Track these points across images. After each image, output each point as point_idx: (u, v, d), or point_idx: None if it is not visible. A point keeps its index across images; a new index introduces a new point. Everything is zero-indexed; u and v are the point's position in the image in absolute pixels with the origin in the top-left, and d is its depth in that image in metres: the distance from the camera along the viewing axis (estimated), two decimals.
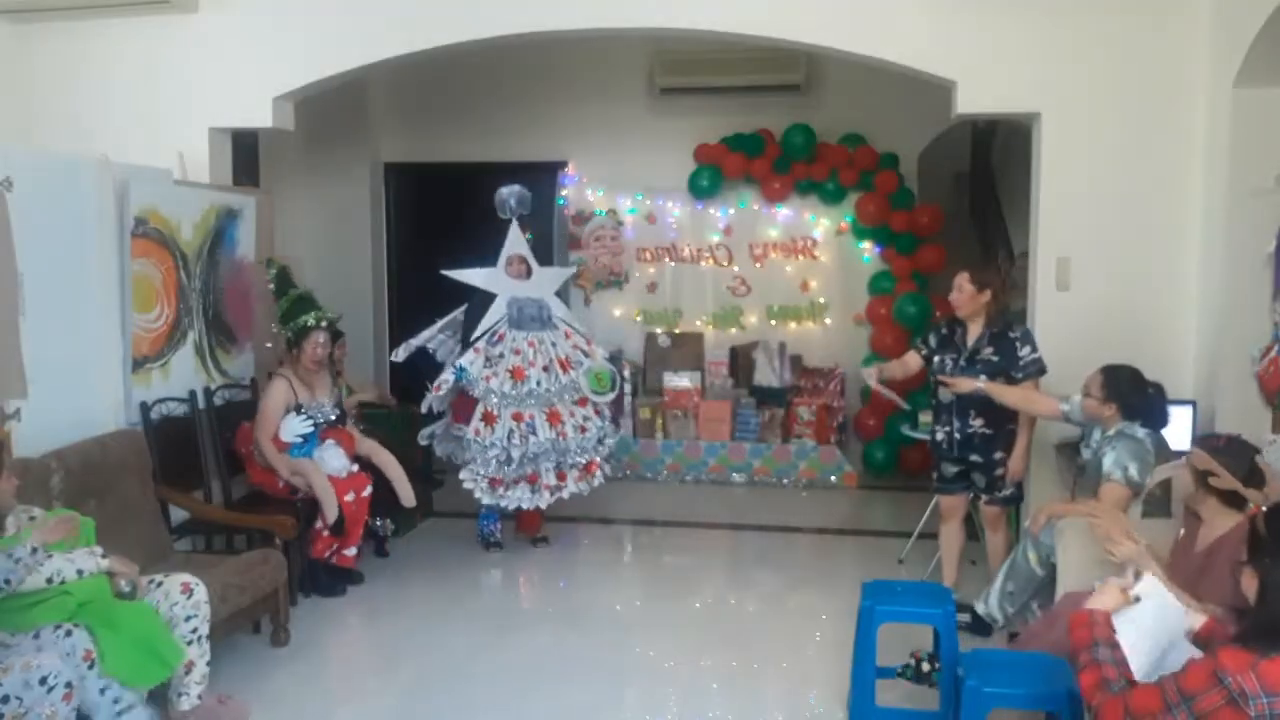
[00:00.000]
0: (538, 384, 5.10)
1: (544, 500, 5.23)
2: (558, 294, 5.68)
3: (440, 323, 5.44)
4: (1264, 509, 2.39)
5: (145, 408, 4.40)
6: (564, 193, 7.46)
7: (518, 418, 5.05)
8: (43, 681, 2.65)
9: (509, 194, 5.32)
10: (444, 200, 7.76)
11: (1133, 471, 3.62)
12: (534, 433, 5.05)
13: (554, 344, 5.27)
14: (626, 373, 6.31)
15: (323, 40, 5.18)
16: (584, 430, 5.22)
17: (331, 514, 4.52)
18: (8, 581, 2.79)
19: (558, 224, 7.51)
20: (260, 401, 4.75)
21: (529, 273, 5.36)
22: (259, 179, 6.74)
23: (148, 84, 5.24)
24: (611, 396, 5.40)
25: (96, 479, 3.76)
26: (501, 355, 5.12)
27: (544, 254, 7.36)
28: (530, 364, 5.12)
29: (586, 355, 5.38)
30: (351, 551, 4.78)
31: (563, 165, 7.49)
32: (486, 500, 5.19)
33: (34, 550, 2.90)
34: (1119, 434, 3.76)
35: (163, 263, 4.55)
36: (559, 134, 7.50)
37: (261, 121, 5.29)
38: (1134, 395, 3.77)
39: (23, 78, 5.32)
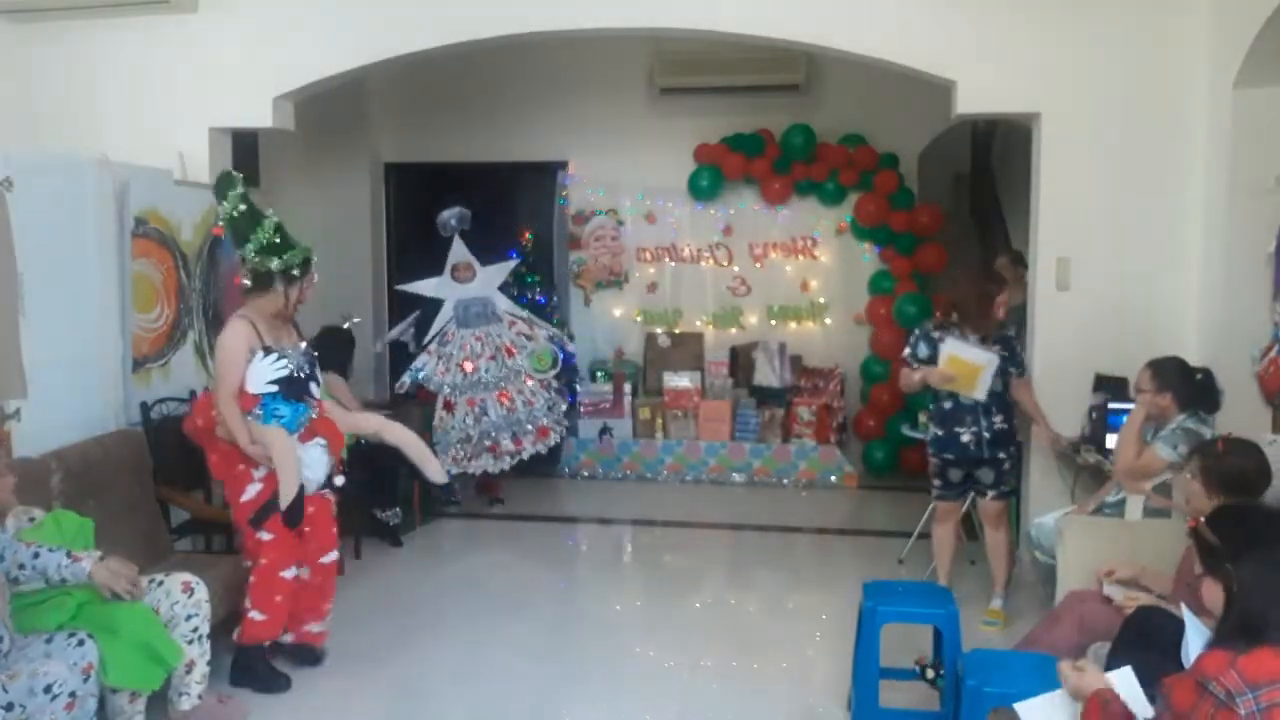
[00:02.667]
0: (486, 372, 5.90)
1: (505, 464, 5.98)
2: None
3: (409, 319, 6.25)
4: (1202, 519, 2.35)
5: (145, 408, 4.39)
6: (564, 193, 7.46)
7: (470, 403, 5.88)
8: (47, 690, 2.65)
9: (450, 215, 6.00)
10: (444, 200, 7.72)
11: (1182, 449, 3.59)
12: (486, 413, 5.90)
13: (499, 335, 6.02)
14: (571, 347, 6.72)
15: (323, 40, 5.17)
16: (531, 403, 5.99)
17: (289, 490, 3.59)
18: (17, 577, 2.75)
19: (558, 224, 7.51)
20: (216, 350, 3.77)
21: (474, 275, 6.05)
22: (259, 179, 6.73)
23: (148, 84, 5.23)
24: (554, 372, 6.13)
25: (96, 479, 3.76)
26: (451, 354, 5.91)
27: (544, 254, 7.39)
28: (479, 356, 5.91)
29: (530, 339, 6.09)
30: (319, 627, 3.95)
31: (563, 165, 7.49)
32: (454, 470, 5.80)
33: (36, 554, 2.91)
34: (1179, 428, 3.71)
35: (163, 263, 4.55)
36: (559, 134, 7.50)
37: (261, 121, 5.29)
38: (1184, 382, 3.78)
39: (23, 78, 5.31)
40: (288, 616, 3.77)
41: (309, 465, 3.74)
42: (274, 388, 3.65)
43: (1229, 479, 2.97)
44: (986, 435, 4.26)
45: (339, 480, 3.90)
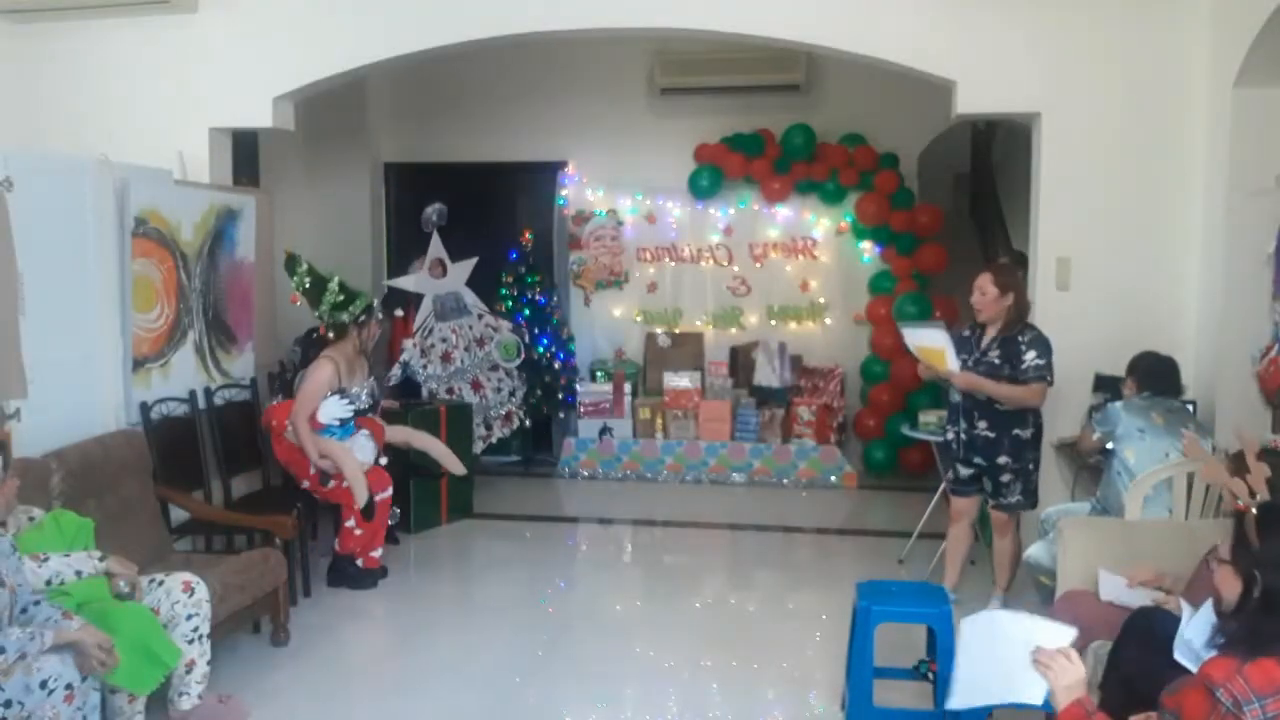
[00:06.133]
0: (462, 362, 6.50)
1: (478, 448, 6.50)
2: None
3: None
4: (1254, 510, 2.31)
5: (145, 408, 4.39)
6: (564, 193, 7.45)
7: (450, 391, 6.44)
8: (43, 685, 2.64)
9: (432, 211, 6.54)
10: (444, 200, 7.75)
11: (1097, 427, 4.10)
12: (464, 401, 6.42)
13: (470, 326, 6.63)
14: (526, 338, 6.91)
15: (323, 40, 5.18)
16: (499, 390, 6.66)
17: (361, 497, 4.61)
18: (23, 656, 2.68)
19: (558, 224, 7.51)
20: (304, 379, 4.71)
21: (445, 271, 6.58)
22: (259, 179, 6.74)
23: (148, 84, 5.24)
24: (519, 361, 6.73)
25: (96, 479, 3.76)
26: (433, 345, 6.44)
27: (544, 254, 7.39)
28: (455, 348, 6.50)
29: (496, 331, 6.69)
30: (378, 553, 4.86)
31: (563, 165, 7.48)
32: None
33: (37, 602, 2.87)
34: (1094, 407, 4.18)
35: (163, 263, 4.55)
36: (559, 134, 7.50)
37: (261, 121, 5.29)
38: (1138, 364, 4.15)
39: (23, 78, 5.32)
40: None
41: (360, 450, 4.75)
42: (336, 422, 4.67)
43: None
44: (964, 438, 4.26)
45: (383, 460, 4.91)
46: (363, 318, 4.80)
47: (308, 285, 4.84)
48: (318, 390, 4.63)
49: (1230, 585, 2.19)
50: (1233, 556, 2.22)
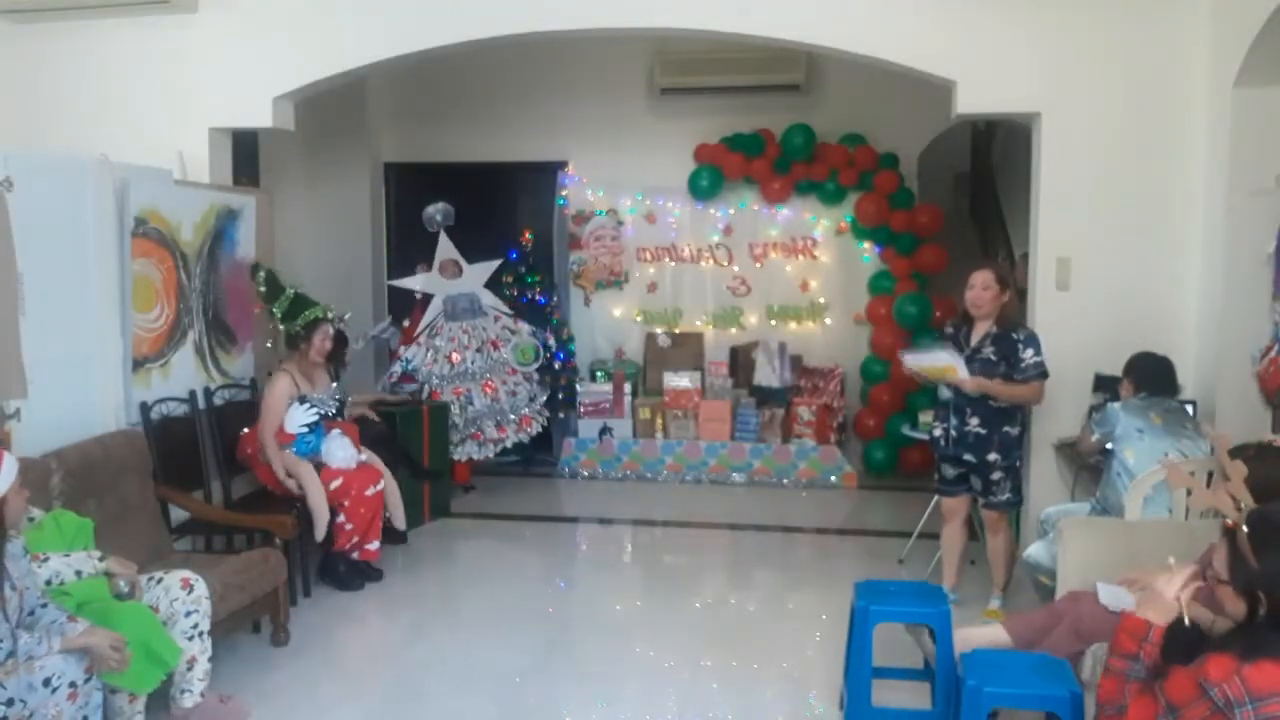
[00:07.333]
0: (471, 363, 6.37)
1: (490, 451, 6.45)
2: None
3: (389, 318, 6.76)
4: (1243, 526, 2.22)
5: (145, 408, 4.40)
6: (564, 193, 7.46)
7: (456, 392, 6.30)
8: (46, 683, 2.64)
9: (435, 211, 6.52)
10: (444, 200, 7.76)
11: (1096, 428, 4.08)
12: (471, 402, 6.33)
13: (485, 328, 6.49)
14: (551, 341, 6.87)
15: (323, 40, 5.18)
16: (515, 394, 6.47)
17: (320, 528, 4.55)
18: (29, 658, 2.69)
19: (558, 224, 7.51)
20: (263, 398, 4.76)
21: (460, 272, 6.49)
22: (259, 179, 6.74)
23: (148, 84, 5.24)
24: (536, 365, 6.59)
25: (96, 479, 3.76)
26: (439, 345, 6.35)
27: (544, 254, 7.39)
28: (465, 348, 6.37)
29: (514, 333, 6.55)
30: (374, 545, 4.83)
31: (563, 165, 7.49)
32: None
33: (44, 604, 2.87)
34: (1094, 407, 4.17)
35: (163, 263, 4.55)
36: (559, 134, 7.50)
37: (261, 121, 5.29)
38: (1135, 364, 4.15)
39: (23, 78, 5.33)
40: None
41: (336, 451, 4.74)
42: (306, 430, 4.67)
43: (1254, 486, 2.93)
44: (954, 434, 4.26)
45: (364, 456, 4.87)
46: (302, 330, 4.81)
47: (263, 291, 4.97)
48: (277, 404, 4.67)
49: (1234, 605, 2.16)
50: (1231, 577, 2.18)
